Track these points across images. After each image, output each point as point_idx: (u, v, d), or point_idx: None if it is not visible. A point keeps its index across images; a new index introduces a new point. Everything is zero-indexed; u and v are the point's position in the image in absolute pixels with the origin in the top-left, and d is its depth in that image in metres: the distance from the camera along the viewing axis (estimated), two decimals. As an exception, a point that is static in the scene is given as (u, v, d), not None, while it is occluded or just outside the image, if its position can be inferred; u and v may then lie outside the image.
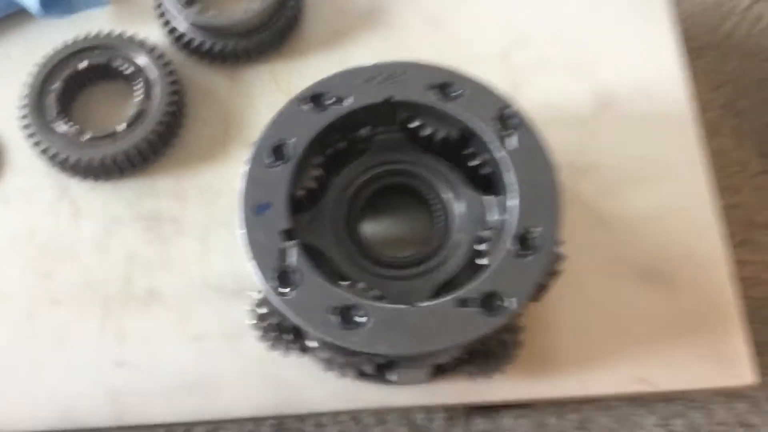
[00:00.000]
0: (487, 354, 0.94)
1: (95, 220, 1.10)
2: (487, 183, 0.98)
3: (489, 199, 0.97)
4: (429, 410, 1.06)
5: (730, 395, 1.09)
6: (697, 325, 1.01)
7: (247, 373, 1.01)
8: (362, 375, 0.97)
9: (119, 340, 1.03)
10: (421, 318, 0.84)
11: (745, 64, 1.47)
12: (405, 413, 1.06)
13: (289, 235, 0.88)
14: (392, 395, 0.99)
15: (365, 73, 0.96)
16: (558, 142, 0.92)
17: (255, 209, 0.89)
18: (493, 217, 0.95)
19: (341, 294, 0.85)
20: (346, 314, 0.84)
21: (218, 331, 1.03)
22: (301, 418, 1.04)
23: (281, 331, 0.93)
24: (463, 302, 0.84)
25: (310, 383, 0.99)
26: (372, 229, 1.03)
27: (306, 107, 0.95)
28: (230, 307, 1.04)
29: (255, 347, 0.97)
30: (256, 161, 0.92)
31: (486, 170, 0.97)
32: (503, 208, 0.94)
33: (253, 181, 0.91)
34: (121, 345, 1.03)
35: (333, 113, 0.94)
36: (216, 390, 0.99)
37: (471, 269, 0.95)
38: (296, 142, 0.92)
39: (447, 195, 0.99)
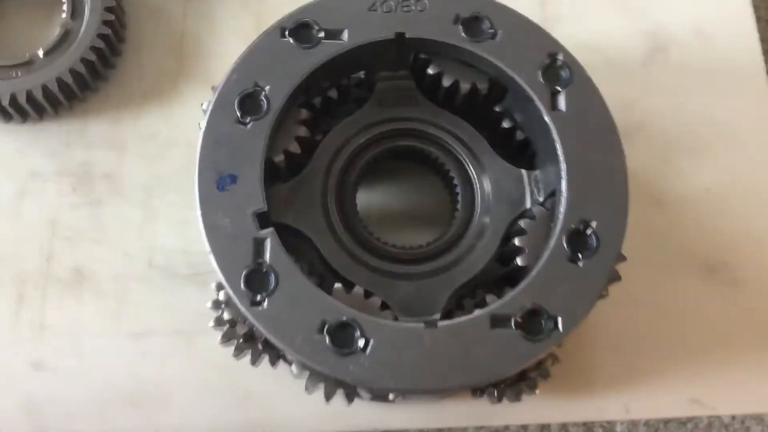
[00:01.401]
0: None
1: (6, 174, 0.86)
2: (523, 152, 0.76)
3: (526, 174, 0.74)
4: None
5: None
6: (765, 335, 0.82)
7: (204, 382, 0.80)
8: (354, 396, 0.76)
9: (37, 334, 0.81)
10: (442, 342, 0.62)
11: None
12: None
13: (263, 219, 0.65)
14: (390, 417, 0.79)
15: (369, -3, 0.71)
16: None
17: (217, 182, 0.66)
18: (534, 198, 0.73)
19: (334, 305, 0.63)
20: (340, 334, 0.62)
21: (166, 327, 0.81)
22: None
23: (249, 338, 0.71)
24: (498, 321, 0.63)
25: (286, 398, 0.78)
26: (371, 207, 0.80)
27: (288, 42, 0.70)
28: (182, 295, 0.82)
29: (215, 349, 0.75)
30: (218, 115, 0.68)
31: (522, 136, 0.75)
32: (546, 187, 0.72)
33: (214, 142, 0.67)
34: (40, 341, 0.81)
35: (323, 52, 0.70)
36: (162, 402, 0.80)
37: (500, 266, 0.74)
38: (274, 90, 0.68)
39: (470, 165, 0.76)
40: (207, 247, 0.64)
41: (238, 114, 0.67)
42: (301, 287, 0.63)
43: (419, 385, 0.62)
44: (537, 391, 0.73)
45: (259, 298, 0.63)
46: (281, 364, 0.77)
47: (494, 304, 0.64)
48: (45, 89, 0.82)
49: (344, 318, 0.62)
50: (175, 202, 0.84)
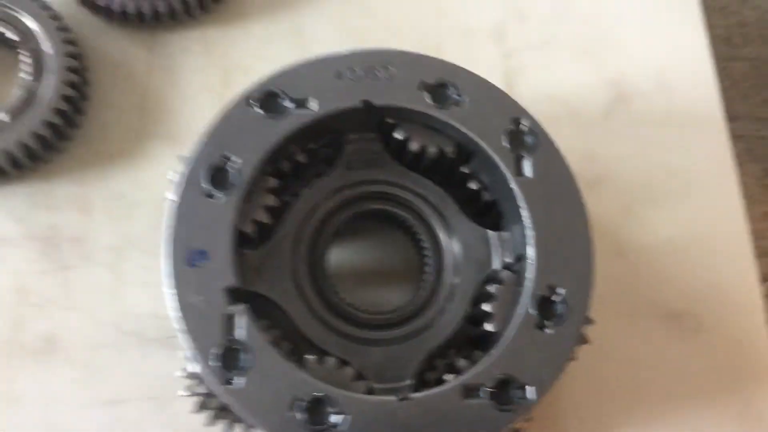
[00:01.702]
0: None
1: (-31, 240, 0.84)
2: (490, 213, 0.77)
3: (494, 236, 0.75)
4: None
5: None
6: (729, 381, 0.84)
7: (178, 450, 0.78)
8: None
9: (6, 404, 0.79)
10: (416, 415, 0.63)
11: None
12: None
13: (235, 295, 0.65)
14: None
15: (335, 65, 0.72)
16: (561, 147, 0.72)
17: (188, 259, 0.65)
18: (502, 259, 0.74)
19: (309, 381, 0.63)
20: (315, 410, 0.62)
21: (139, 393, 0.81)
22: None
23: (224, 408, 0.71)
24: (470, 391, 0.64)
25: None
26: (342, 266, 0.80)
27: (256, 112, 0.70)
28: (154, 359, 0.81)
29: (191, 416, 0.75)
30: (187, 188, 0.67)
31: (489, 197, 0.76)
32: (514, 249, 0.73)
33: (183, 217, 0.67)
34: (9, 411, 0.79)
35: (292, 121, 0.70)
36: None
37: (471, 326, 0.74)
38: (244, 162, 0.68)
39: (439, 228, 0.77)
40: (177, 326, 0.64)
41: (207, 187, 0.67)
42: (273, 363, 0.63)
43: (394, 460, 0.62)
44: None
45: (231, 376, 0.63)
46: None
47: (466, 375, 0.65)
48: (8, 153, 0.81)
49: (317, 394, 0.62)
50: (145, 264, 0.83)
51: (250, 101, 0.70)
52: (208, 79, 0.91)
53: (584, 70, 0.96)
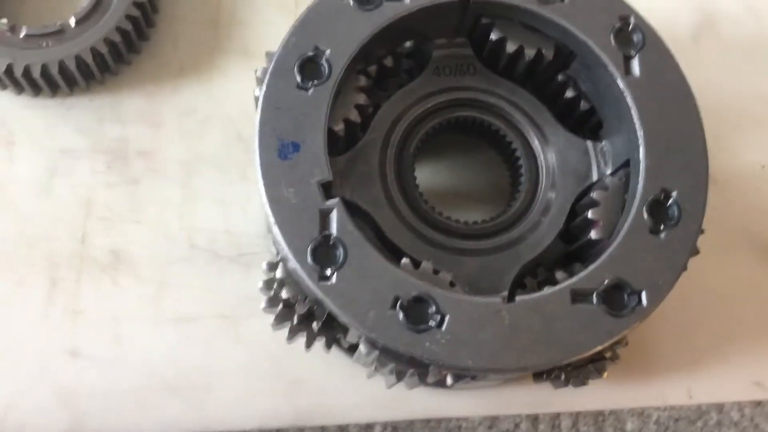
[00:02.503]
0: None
1: (36, 151, 0.81)
2: (587, 123, 0.73)
3: (591, 146, 0.71)
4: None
5: None
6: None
7: (251, 369, 0.75)
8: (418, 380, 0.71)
9: (73, 319, 0.76)
10: (522, 318, 0.59)
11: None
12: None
13: (328, 190, 0.61)
14: (450, 404, 0.75)
15: (431, -41, 0.68)
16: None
17: (278, 151, 0.62)
18: (601, 171, 0.70)
19: (406, 280, 0.59)
20: (415, 309, 0.58)
21: (209, 311, 0.77)
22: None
23: (305, 319, 0.67)
24: (579, 296, 0.60)
25: (338, 385, 0.74)
26: (428, 182, 0.76)
27: (348, 3, 0.66)
28: (226, 277, 0.78)
29: (262, 334, 0.72)
30: (277, 80, 0.64)
31: (587, 105, 0.72)
32: (615, 159, 0.69)
33: (274, 108, 0.63)
34: (76, 327, 0.76)
35: (386, 14, 0.66)
36: (206, 391, 0.76)
37: (563, 243, 0.70)
38: (335, 54, 0.64)
39: (534, 137, 0.72)
40: (271, 219, 0.60)
41: (299, 79, 0.63)
42: (371, 261, 0.59)
43: (499, 364, 0.58)
44: (605, 375, 0.69)
45: (327, 272, 0.59)
46: (334, 349, 0.73)
47: (574, 278, 0.60)
48: (78, 59, 0.77)
49: (418, 293, 0.58)
50: (216, 180, 0.80)
51: (343, -9, 0.66)
52: (281, -3, 0.88)
53: (669, -5, 0.92)
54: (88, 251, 0.77)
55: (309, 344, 0.70)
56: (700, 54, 0.90)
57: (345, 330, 0.65)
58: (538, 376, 0.68)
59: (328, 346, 0.69)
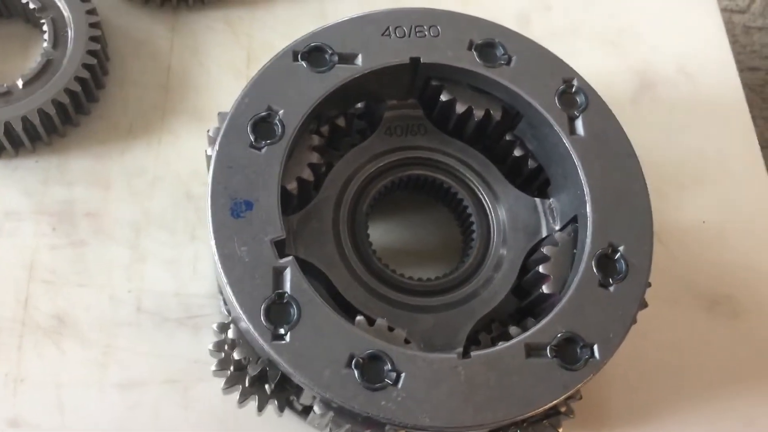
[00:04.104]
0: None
1: (-22, 213, 0.78)
2: (534, 181, 0.75)
3: (540, 203, 0.73)
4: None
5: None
6: (770, 364, 0.82)
7: (202, 436, 0.72)
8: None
9: (14, 387, 0.73)
10: (478, 373, 0.59)
11: None
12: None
13: (281, 247, 0.61)
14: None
15: (381, 22, 0.70)
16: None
17: (231, 209, 0.61)
18: (550, 227, 0.71)
19: (361, 337, 0.58)
20: (370, 367, 0.58)
21: (158, 376, 0.75)
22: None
23: (257, 381, 0.65)
24: (533, 350, 0.60)
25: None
26: (383, 238, 0.76)
27: (301, 65, 0.67)
28: (174, 340, 0.76)
29: (213, 399, 0.70)
30: (231, 139, 0.64)
31: (534, 164, 0.73)
32: (563, 215, 0.71)
33: (227, 167, 0.63)
34: (17, 395, 0.73)
35: (338, 76, 0.67)
36: None
37: (516, 299, 0.71)
38: (288, 114, 0.65)
39: (484, 194, 0.74)
40: (223, 279, 0.59)
41: (252, 138, 0.64)
42: (325, 318, 0.59)
43: (456, 422, 0.57)
44: (560, 431, 0.69)
45: (281, 331, 0.58)
46: (287, 412, 0.72)
47: (527, 333, 0.61)
48: (25, 121, 0.76)
49: (373, 350, 0.58)
50: (165, 240, 0.79)
51: (296, 54, 0.67)
52: (232, 59, 0.89)
53: (608, 58, 0.96)
54: (30, 316, 0.74)
55: (261, 407, 0.68)
56: (640, 115, 0.93)
57: (298, 392, 0.64)
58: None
59: (281, 409, 0.68)
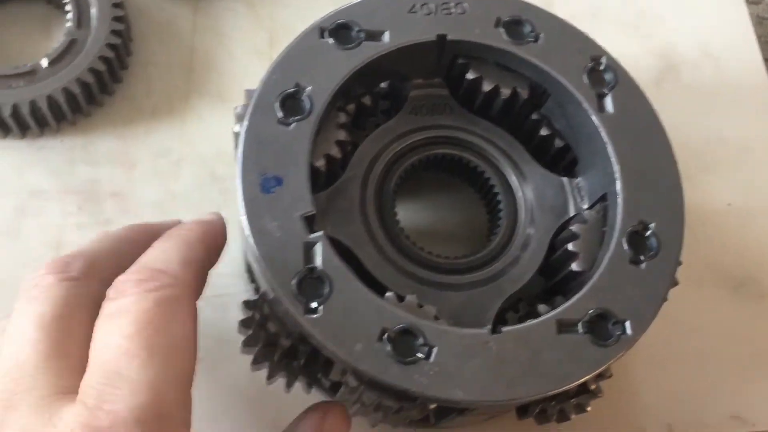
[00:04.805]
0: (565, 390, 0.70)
1: (4, 192, 0.79)
2: (560, 161, 0.74)
3: (567, 182, 0.72)
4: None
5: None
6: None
7: (228, 413, 0.73)
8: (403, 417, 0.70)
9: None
10: (509, 349, 0.58)
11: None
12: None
13: (311, 223, 0.61)
14: (433, 444, 0.73)
15: (407, 0, 0.69)
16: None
17: (261, 184, 0.61)
18: (577, 206, 0.71)
19: (393, 312, 0.58)
20: (402, 341, 0.57)
21: (184, 354, 0.73)
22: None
23: (286, 356, 0.65)
24: (564, 326, 0.60)
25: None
26: (408, 219, 0.76)
27: (328, 42, 0.67)
28: (200, 318, 0.74)
29: (240, 377, 0.70)
30: (259, 115, 0.64)
31: (560, 143, 0.73)
32: (591, 194, 0.70)
33: (256, 143, 0.63)
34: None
35: (365, 53, 0.67)
36: None
37: (546, 277, 0.71)
38: (316, 91, 0.65)
39: (511, 173, 0.73)
40: (256, 252, 0.59)
41: (280, 114, 0.63)
42: (356, 293, 0.59)
43: (489, 395, 0.57)
44: (588, 409, 0.69)
45: (313, 305, 0.58)
46: (314, 391, 0.71)
47: (559, 309, 0.61)
48: (50, 100, 0.76)
49: (405, 325, 0.58)
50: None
51: (322, 31, 0.67)
52: (254, 40, 0.88)
53: (631, 41, 0.95)
54: (57, 294, 0.74)
55: (290, 384, 0.68)
56: (663, 97, 0.90)
57: (326, 368, 0.64)
58: (522, 412, 0.67)
59: (310, 386, 0.68)
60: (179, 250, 0.56)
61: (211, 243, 0.60)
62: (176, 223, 0.64)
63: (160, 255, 0.54)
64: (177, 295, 0.52)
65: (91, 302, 0.52)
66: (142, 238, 0.59)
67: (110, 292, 0.52)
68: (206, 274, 0.58)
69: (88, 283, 0.53)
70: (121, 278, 0.52)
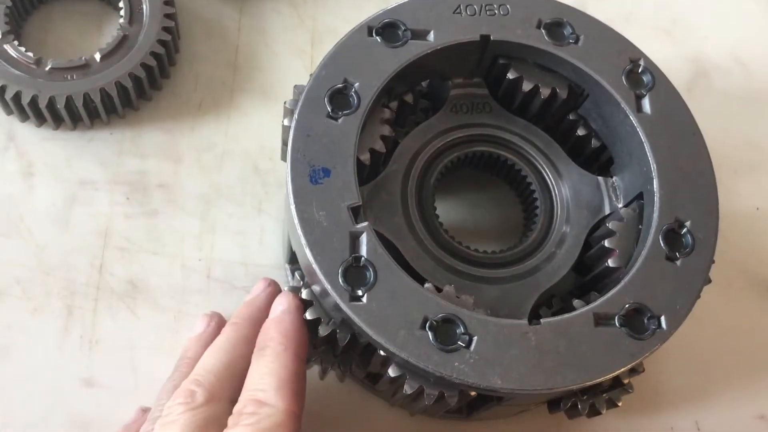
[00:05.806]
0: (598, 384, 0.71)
1: (55, 182, 0.82)
2: (596, 160, 0.76)
3: (602, 181, 0.74)
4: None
5: None
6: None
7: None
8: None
9: (89, 349, 0.76)
10: (547, 339, 0.60)
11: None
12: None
13: (357, 214, 0.63)
14: (466, 434, 0.75)
15: (452, 0, 0.72)
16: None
17: (310, 175, 0.63)
18: (612, 205, 0.73)
19: (434, 301, 0.60)
20: (444, 330, 0.59)
21: (227, 340, 0.76)
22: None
23: (324, 340, 0.67)
24: (601, 319, 0.61)
25: (357, 417, 0.74)
26: (447, 216, 0.78)
27: (375, 40, 0.69)
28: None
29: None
30: (309, 109, 0.66)
31: (597, 143, 0.75)
32: (627, 193, 0.72)
33: (306, 136, 0.65)
34: (91, 356, 0.75)
35: (411, 51, 0.69)
36: None
37: (580, 273, 0.72)
38: (363, 87, 0.67)
39: (547, 171, 0.75)
40: (302, 241, 0.61)
41: (329, 109, 0.66)
42: (400, 282, 0.61)
43: (527, 385, 0.59)
44: (619, 404, 0.70)
45: (358, 293, 0.60)
46: (348, 381, 0.74)
47: (596, 302, 0.62)
48: (102, 93, 0.79)
49: (446, 314, 0.60)
50: (234, 213, 0.81)
51: (370, 30, 0.70)
52: (296, 40, 0.91)
53: (663, 47, 0.97)
54: (105, 281, 0.77)
55: (325, 371, 0.70)
56: (695, 102, 0.92)
57: (364, 357, 0.66)
58: (554, 405, 0.69)
59: (344, 374, 0.70)
60: (273, 374, 0.61)
61: (298, 348, 0.63)
62: (269, 296, 0.70)
63: (259, 383, 0.60)
64: (277, 422, 0.58)
65: (216, 422, 0.60)
66: (248, 351, 0.64)
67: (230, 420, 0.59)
68: (304, 385, 0.63)
69: (211, 407, 0.61)
70: (235, 410, 0.60)
